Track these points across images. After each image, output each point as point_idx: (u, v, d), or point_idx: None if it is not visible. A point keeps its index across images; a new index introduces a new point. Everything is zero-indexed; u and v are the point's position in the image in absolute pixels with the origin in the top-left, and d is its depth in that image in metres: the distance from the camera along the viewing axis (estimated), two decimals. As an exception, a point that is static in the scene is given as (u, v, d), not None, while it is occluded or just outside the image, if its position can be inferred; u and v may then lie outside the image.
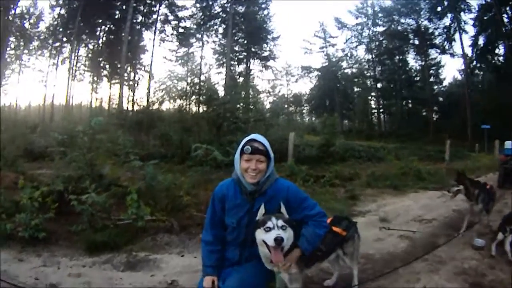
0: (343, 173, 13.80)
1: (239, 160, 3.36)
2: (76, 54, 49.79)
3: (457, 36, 52.77)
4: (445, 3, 52.36)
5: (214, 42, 54.86)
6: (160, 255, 5.45)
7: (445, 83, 62.19)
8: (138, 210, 6.11)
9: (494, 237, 6.48)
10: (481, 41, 49.31)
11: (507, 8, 44.78)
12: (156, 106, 26.08)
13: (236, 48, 55.73)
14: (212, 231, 3.55)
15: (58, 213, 6.26)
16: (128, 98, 49.31)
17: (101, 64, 51.98)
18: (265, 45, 56.40)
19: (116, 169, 9.30)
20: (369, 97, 66.40)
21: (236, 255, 3.51)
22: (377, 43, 61.46)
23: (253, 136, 3.42)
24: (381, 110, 65.24)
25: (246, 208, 3.38)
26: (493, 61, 48.96)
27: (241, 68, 56.93)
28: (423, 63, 58.46)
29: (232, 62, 54.99)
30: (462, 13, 51.19)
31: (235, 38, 54.30)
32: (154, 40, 50.84)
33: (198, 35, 53.27)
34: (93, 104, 51.27)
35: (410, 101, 62.88)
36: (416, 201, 10.87)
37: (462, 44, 52.27)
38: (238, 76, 51.64)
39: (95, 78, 51.92)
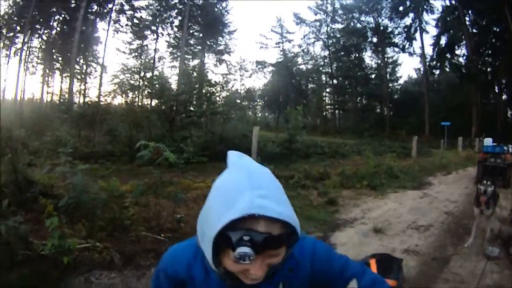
0: (312, 172, 12.55)
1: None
2: (29, 45, 47.21)
3: (417, 35, 54.11)
4: (408, 3, 53.30)
5: (169, 34, 53.28)
6: None
7: (401, 81, 63.65)
8: (61, 241, 4.13)
9: (500, 242, 6.37)
10: (442, 41, 50.53)
11: (470, 11, 45.99)
12: (108, 100, 24.48)
13: (191, 42, 54.36)
14: None
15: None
16: (79, 92, 47.06)
17: (54, 56, 49.26)
18: (220, 38, 55.45)
19: (50, 175, 7.28)
20: (324, 93, 66.91)
21: None
22: (334, 40, 61.59)
23: (253, 209, 1.09)
24: (336, 106, 65.77)
25: None
26: (453, 61, 49.98)
27: (195, 62, 55.24)
28: (379, 61, 59.41)
29: (186, 56, 53.47)
30: (424, 13, 52.31)
31: (191, 31, 53.09)
32: (108, 31, 48.79)
33: (153, 27, 51.63)
34: (44, 99, 48.12)
35: (365, 98, 63.41)
36: (401, 204, 9.94)
37: (422, 43, 53.66)
38: (191, 71, 50.58)
39: (47, 71, 49.09)
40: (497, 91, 49.92)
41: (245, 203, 1.12)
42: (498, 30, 43.63)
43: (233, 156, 1.37)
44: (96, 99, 25.64)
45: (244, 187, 1.17)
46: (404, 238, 6.86)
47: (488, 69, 47.60)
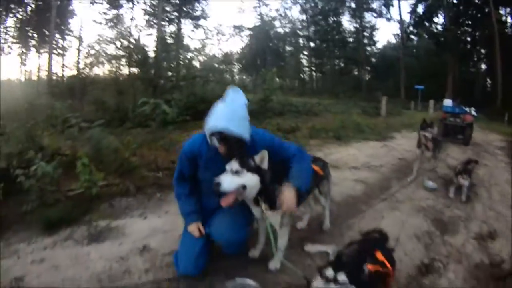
0: (284, 126, 13.55)
1: None
2: (4, 25, 46.27)
3: (395, 2, 54.70)
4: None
5: (145, 2, 52.38)
6: (122, 220, 4.97)
7: (379, 45, 64.09)
8: (91, 176, 5.51)
9: (443, 182, 7.63)
10: (420, 9, 50.25)
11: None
12: (86, 71, 24.98)
13: (167, 8, 53.54)
14: (183, 184, 3.54)
15: (4, 195, 5.25)
16: (57, 66, 46.89)
17: (29, 34, 48.31)
18: (197, 4, 54.92)
19: (55, 139, 8.37)
20: (301, 56, 67.48)
21: (215, 203, 3.31)
22: (312, 4, 61.24)
23: (215, 124, 2.96)
24: (313, 69, 66.67)
25: (224, 164, 3.12)
26: (431, 29, 49.86)
27: (171, 28, 55.07)
28: (357, 25, 59.44)
29: (163, 23, 53.03)
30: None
31: (167, -2, 52.38)
32: (83, 2, 47.99)
33: (129, -4, 50.69)
34: (22, 78, 47.67)
35: (342, 61, 63.54)
36: (361, 150, 11.05)
37: (400, 10, 55.51)
38: (169, 37, 50.28)
39: (23, 50, 48.51)
40: (476, 60, 50.56)
41: (223, 125, 2.90)
42: (479, 2, 43.61)
43: (230, 92, 3.13)
44: (76, 72, 26.01)
45: (226, 116, 2.94)
46: (356, 172, 8.17)
47: (468, 39, 47.75)
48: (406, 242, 4.67)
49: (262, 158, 3.08)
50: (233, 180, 2.96)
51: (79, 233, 4.48)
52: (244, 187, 3.04)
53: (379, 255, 2.91)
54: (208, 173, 3.21)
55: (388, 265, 2.93)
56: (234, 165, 2.99)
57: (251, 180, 3.05)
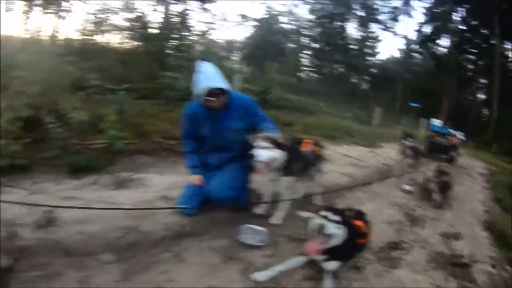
0: (281, 119, 14.25)
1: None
2: None
3: (402, 18, 55.44)
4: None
5: None
6: (142, 174, 5.57)
7: (381, 57, 64.97)
8: (118, 132, 6.19)
9: (420, 189, 8.42)
10: (427, 29, 50.76)
11: (464, 9, 46.24)
12: (91, 37, 24.82)
13: (178, -14, 52.75)
14: (189, 142, 4.66)
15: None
16: (62, 29, 45.98)
17: None
18: (206, -13, 54.22)
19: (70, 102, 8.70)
20: (303, 55, 67.82)
21: (215, 160, 4.62)
22: (321, 5, 61.31)
23: (209, 84, 4.07)
24: (312, 69, 67.44)
25: (214, 120, 4.38)
26: (433, 50, 50.63)
27: (179, 7, 54.34)
28: (363, 33, 59.88)
29: (171, 1, 52.24)
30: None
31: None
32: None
33: (140, -31, 49.69)
34: (23, 36, 46.43)
35: (342, 66, 63.87)
36: (349, 151, 11.75)
37: (407, 27, 54.24)
38: (175, 16, 49.53)
39: (28, 8, 47.45)
40: (475, 89, 51.55)
41: (213, 84, 4.10)
42: (486, 33, 44.15)
43: (199, 64, 4.20)
44: (81, 37, 25.77)
45: (211, 79, 4.13)
46: (342, 168, 8.98)
47: (469, 66, 48.56)
48: (379, 225, 5.57)
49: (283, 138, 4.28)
50: (267, 153, 4.07)
51: (105, 180, 5.13)
52: (274, 159, 4.16)
53: (358, 222, 4.03)
54: (204, 129, 4.46)
55: (365, 229, 4.10)
56: (266, 143, 4.08)
57: (279, 154, 4.18)
